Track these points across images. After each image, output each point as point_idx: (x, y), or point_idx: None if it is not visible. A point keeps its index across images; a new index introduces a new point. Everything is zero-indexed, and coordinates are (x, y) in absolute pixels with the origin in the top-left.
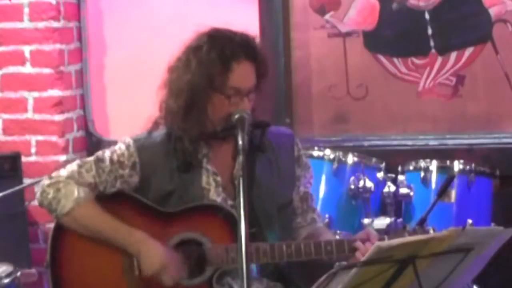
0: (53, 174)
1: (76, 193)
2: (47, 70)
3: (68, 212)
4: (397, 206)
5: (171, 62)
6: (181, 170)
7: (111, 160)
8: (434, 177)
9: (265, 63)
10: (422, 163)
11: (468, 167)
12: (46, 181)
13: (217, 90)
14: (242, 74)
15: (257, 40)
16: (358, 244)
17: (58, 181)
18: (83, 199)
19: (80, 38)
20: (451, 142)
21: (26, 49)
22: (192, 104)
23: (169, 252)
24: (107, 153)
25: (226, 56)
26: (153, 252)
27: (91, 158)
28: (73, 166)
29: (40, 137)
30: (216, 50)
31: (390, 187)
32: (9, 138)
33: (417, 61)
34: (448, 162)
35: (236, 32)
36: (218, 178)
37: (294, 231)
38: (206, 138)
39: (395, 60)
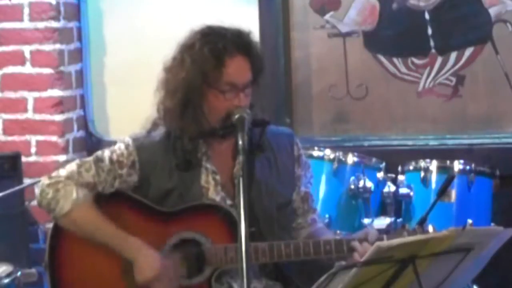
0: (53, 174)
1: (74, 194)
2: (47, 70)
3: (66, 214)
4: (397, 206)
5: (166, 63)
6: (180, 169)
7: (110, 159)
8: (434, 177)
9: (260, 57)
10: (422, 163)
11: (468, 167)
12: (45, 181)
13: (212, 86)
14: (236, 69)
15: (252, 35)
16: (355, 244)
17: (58, 181)
18: (82, 201)
19: (80, 38)
20: (451, 142)
21: (26, 49)
22: (188, 102)
23: (163, 261)
24: (106, 153)
25: (218, 52)
26: (146, 261)
27: (90, 158)
28: (72, 166)
29: (40, 137)
30: (209, 46)
31: (390, 187)
32: (9, 138)
33: (417, 61)
34: (448, 162)
35: (229, 28)
36: (218, 177)
37: (295, 231)
38: (204, 136)
39: (395, 60)
